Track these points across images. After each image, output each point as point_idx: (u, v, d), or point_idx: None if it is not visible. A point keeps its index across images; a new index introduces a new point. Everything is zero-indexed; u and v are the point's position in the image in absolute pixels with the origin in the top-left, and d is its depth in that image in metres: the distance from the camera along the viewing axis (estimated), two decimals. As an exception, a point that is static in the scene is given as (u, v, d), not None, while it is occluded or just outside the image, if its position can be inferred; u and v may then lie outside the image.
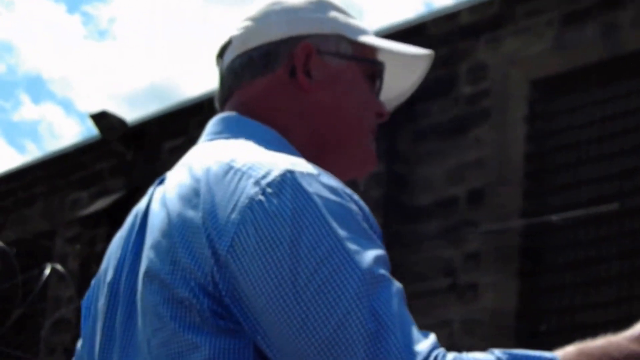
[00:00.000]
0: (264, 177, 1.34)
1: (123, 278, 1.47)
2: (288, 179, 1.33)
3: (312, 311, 1.27)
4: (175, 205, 1.40)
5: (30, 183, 12.69)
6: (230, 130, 1.52)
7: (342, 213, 1.33)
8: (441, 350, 1.32)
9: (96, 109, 12.20)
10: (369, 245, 1.32)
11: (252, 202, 1.32)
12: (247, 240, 1.31)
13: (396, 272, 1.40)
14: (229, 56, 1.60)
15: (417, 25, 8.89)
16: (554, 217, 7.58)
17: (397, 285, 1.32)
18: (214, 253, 1.32)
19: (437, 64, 8.99)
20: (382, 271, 1.31)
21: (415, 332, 1.30)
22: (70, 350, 10.29)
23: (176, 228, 1.37)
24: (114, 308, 1.47)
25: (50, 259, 10.62)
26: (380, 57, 1.62)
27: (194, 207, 1.36)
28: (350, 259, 1.29)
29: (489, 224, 7.93)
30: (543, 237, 7.89)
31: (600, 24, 7.97)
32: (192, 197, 1.38)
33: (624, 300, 7.43)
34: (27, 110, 41.96)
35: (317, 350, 1.26)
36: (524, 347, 6.90)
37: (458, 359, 1.33)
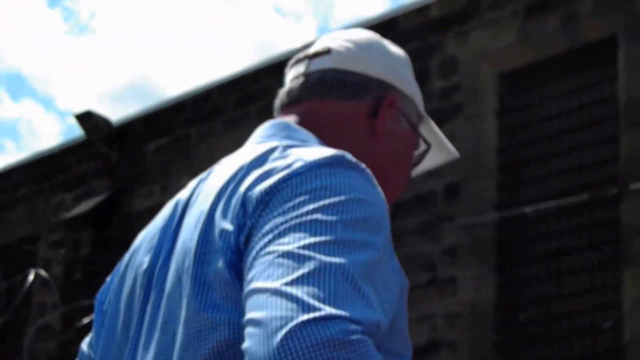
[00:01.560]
0: (314, 155, 1.40)
1: (158, 267, 1.50)
2: (336, 158, 1.39)
3: (285, 245, 1.28)
4: (216, 189, 1.44)
5: (13, 186, 12.54)
6: (281, 135, 1.56)
7: (369, 200, 1.36)
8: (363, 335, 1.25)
9: (76, 106, 12.11)
10: (373, 238, 1.34)
11: (290, 169, 1.37)
12: (278, 197, 1.34)
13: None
14: (321, 64, 1.65)
15: (388, 19, 9.10)
16: (527, 209, 7.82)
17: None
18: (243, 216, 1.36)
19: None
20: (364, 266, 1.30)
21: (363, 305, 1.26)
22: (54, 358, 10.11)
23: (218, 208, 1.41)
24: (146, 296, 1.50)
25: (33, 264, 10.49)
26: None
27: (237, 183, 1.41)
28: (343, 246, 1.30)
29: (464, 218, 8.14)
30: (517, 229, 8.11)
31: (561, 15, 8.20)
32: (236, 176, 1.43)
33: (596, 289, 7.64)
34: (6, 109, 41.72)
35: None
36: (505, 337, 6.80)
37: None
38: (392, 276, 1.36)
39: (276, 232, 1.31)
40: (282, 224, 1.31)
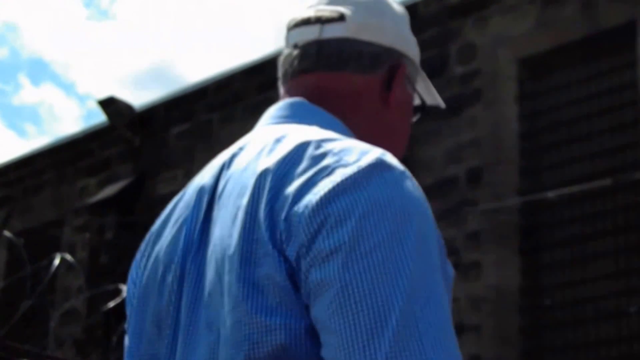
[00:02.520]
0: (356, 160, 1.35)
1: (189, 260, 1.46)
2: (378, 166, 1.34)
3: (355, 285, 1.26)
4: (252, 183, 1.39)
5: (38, 171, 12.66)
6: (300, 117, 1.53)
7: (417, 211, 1.33)
8: None
9: (97, 91, 12.22)
10: (433, 258, 1.33)
11: (337, 181, 1.32)
12: (323, 211, 1.31)
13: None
14: (335, 32, 1.59)
15: (408, 5, 9.05)
16: (550, 194, 7.84)
17: (447, 311, 1.32)
18: (293, 226, 1.32)
19: (428, 45, 8.97)
20: (437, 285, 1.31)
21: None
22: (79, 341, 10.24)
23: (259, 207, 1.36)
24: (180, 290, 1.46)
25: (58, 248, 10.59)
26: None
27: (278, 183, 1.36)
28: (406, 263, 1.29)
29: (487, 203, 8.15)
30: (540, 214, 8.12)
31: (579, 1, 8.19)
32: (274, 172, 1.38)
33: (621, 273, 7.64)
34: (27, 93, 41.97)
35: (344, 321, 1.26)
36: (530, 321, 6.85)
37: None
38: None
39: (339, 264, 1.27)
40: (345, 256, 1.27)
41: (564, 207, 7.96)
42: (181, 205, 1.53)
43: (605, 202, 7.81)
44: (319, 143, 1.39)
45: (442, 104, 1.74)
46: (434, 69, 8.59)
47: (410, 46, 1.65)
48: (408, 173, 1.37)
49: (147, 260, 1.53)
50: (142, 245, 1.57)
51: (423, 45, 10.15)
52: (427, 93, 1.72)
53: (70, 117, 42.43)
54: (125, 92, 43.16)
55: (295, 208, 1.32)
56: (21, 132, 43.30)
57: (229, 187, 1.44)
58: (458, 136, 8.45)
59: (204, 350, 1.39)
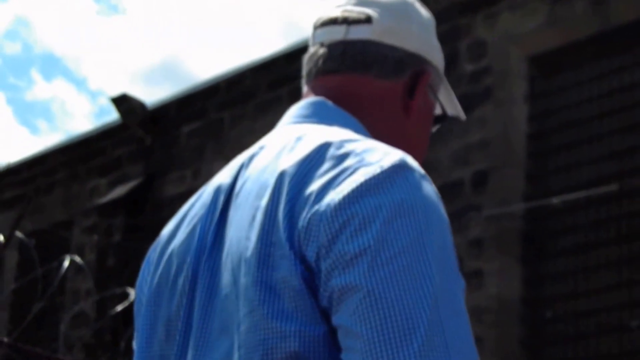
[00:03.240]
0: (378, 161, 1.33)
1: (203, 261, 1.44)
2: (401, 168, 1.33)
3: (381, 290, 1.25)
4: (272, 183, 1.38)
5: (50, 169, 12.69)
6: (320, 116, 1.52)
7: (437, 216, 1.32)
8: None
9: (108, 87, 12.26)
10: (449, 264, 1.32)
11: (360, 181, 1.31)
12: (345, 212, 1.29)
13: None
14: (361, 33, 1.57)
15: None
16: (555, 200, 7.63)
17: (467, 319, 1.31)
18: (311, 227, 1.30)
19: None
20: (459, 295, 1.32)
21: None
22: (88, 345, 10.27)
23: (278, 208, 1.35)
24: (192, 292, 1.44)
25: (68, 249, 10.61)
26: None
27: (298, 184, 1.35)
28: (430, 269, 1.28)
29: (491, 209, 7.95)
30: (544, 221, 7.90)
31: None
32: (300, 175, 1.36)
33: (624, 285, 7.45)
34: (40, 89, 42.08)
35: (371, 327, 1.24)
36: (531, 334, 6.79)
37: None
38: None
39: (365, 269, 1.26)
40: (371, 260, 1.26)
41: (568, 214, 7.74)
42: (197, 205, 1.51)
43: (610, 209, 7.59)
44: (341, 143, 1.38)
45: (463, 116, 1.73)
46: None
47: (434, 53, 1.63)
48: (427, 176, 1.36)
49: (159, 261, 1.51)
50: (155, 246, 1.55)
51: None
52: (449, 102, 1.70)
53: (82, 114, 42.57)
54: (136, 88, 43.36)
55: (317, 207, 1.30)
56: (33, 129, 43.41)
57: (246, 187, 1.43)
58: (466, 137, 8.26)
59: (219, 356, 1.37)
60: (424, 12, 1.67)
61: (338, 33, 1.58)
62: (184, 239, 1.49)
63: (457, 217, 8.07)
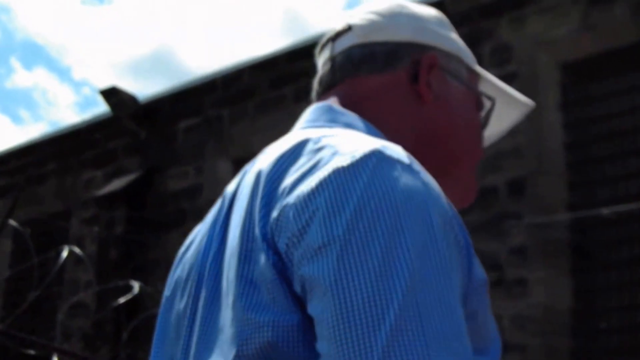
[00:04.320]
0: (351, 151, 1.30)
1: (209, 262, 1.45)
2: (374, 156, 1.29)
3: (350, 277, 1.22)
4: (256, 182, 1.38)
5: (40, 160, 12.70)
6: (325, 119, 1.51)
7: (419, 204, 1.27)
8: None
9: (93, 77, 12.24)
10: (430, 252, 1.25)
11: (330, 170, 1.29)
12: (312, 201, 1.27)
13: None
14: (345, 43, 1.58)
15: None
16: (605, 211, 7.52)
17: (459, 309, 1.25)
18: (282, 218, 1.30)
19: None
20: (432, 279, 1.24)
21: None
22: (88, 335, 10.29)
23: (256, 204, 1.36)
24: (197, 292, 1.46)
25: (66, 240, 10.63)
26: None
27: (274, 180, 1.35)
28: (407, 254, 1.23)
29: (532, 217, 7.84)
30: (592, 231, 7.80)
31: (630, 2, 7.83)
32: (273, 171, 1.36)
33: None
34: (20, 77, 42.03)
35: (338, 314, 1.22)
36: (582, 344, 6.70)
37: None
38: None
39: (334, 258, 1.23)
40: (340, 249, 1.23)
41: (618, 225, 7.63)
42: (213, 211, 1.54)
43: None
44: (319, 138, 1.37)
45: (530, 102, 1.69)
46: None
47: (445, 41, 1.59)
48: (415, 166, 1.30)
49: (178, 264, 1.56)
50: (181, 249, 1.59)
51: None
52: (498, 93, 1.66)
53: (65, 103, 42.54)
54: (124, 80, 43.29)
55: (288, 199, 1.30)
56: (16, 118, 43.34)
57: (242, 190, 1.44)
58: (496, 144, 8.28)
59: (217, 355, 1.37)
60: (424, 8, 1.65)
61: (327, 53, 1.61)
62: (198, 243, 1.52)
63: (495, 224, 8.00)
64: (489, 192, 8.13)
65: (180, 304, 1.50)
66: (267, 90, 10.21)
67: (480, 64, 9.41)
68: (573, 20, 8.09)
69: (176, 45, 37.71)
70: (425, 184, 1.29)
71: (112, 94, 11.54)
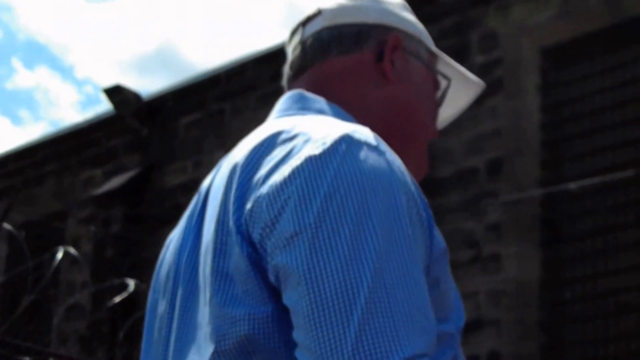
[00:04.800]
0: (322, 138, 1.38)
1: (184, 259, 1.50)
2: (344, 142, 1.37)
3: (322, 265, 1.29)
4: (231, 174, 1.44)
5: (40, 161, 12.64)
6: (297, 107, 1.58)
7: (385, 184, 1.35)
8: None
9: (96, 75, 12.15)
10: (398, 231, 1.34)
11: (302, 158, 1.36)
12: (285, 190, 1.34)
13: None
14: (315, 27, 1.67)
15: None
16: (572, 185, 7.93)
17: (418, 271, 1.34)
18: (255, 203, 1.36)
19: (448, 33, 8.86)
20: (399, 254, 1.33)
21: (416, 328, 1.29)
22: (84, 338, 10.19)
23: (230, 196, 1.41)
24: (174, 289, 1.52)
25: (62, 241, 10.54)
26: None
27: (249, 172, 1.41)
28: (374, 237, 1.31)
29: (507, 195, 8.29)
30: (562, 205, 8.24)
31: None
32: (250, 163, 1.42)
33: None
34: (21, 78, 41.85)
35: (311, 302, 1.28)
36: (550, 315, 6.79)
37: None
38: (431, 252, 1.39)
39: (306, 246, 1.30)
40: (312, 237, 1.30)
41: (585, 199, 8.07)
42: (190, 207, 1.59)
43: (628, 194, 7.91)
44: (292, 127, 1.43)
45: (481, 83, 1.80)
46: (454, 58, 8.58)
47: (407, 24, 1.70)
48: (382, 147, 1.40)
49: (161, 264, 1.60)
50: (163, 249, 1.63)
51: (442, 33, 10.03)
52: (454, 74, 1.76)
53: (68, 103, 42.36)
54: (128, 78, 43.14)
55: (262, 189, 1.36)
56: (15, 119, 43.15)
57: (216, 182, 1.50)
58: (478, 127, 8.54)
59: (194, 351, 1.43)
60: None
61: (297, 38, 1.68)
62: (175, 242, 1.57)
63: (474, 203, 8.42)
64: (470, 173, 8.57)
65: (162, 305, 1.55)
66: (269, 83, 10.17)
67: (469, 51, 9.46)
68: (553, 7, 8.52)
69: (179, 41, 37.64)
70: (390, 164, 1.38)
71: (115, 92, 11.44)
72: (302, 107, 1.57)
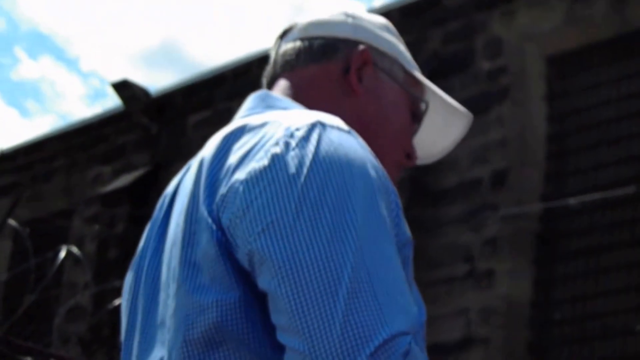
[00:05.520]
0: (294, 124, 1.42)
1: (146, 262, 1.54)
2: (318, 127, 1.41)
3: (303, 248, 1.32)
4: (199, 167, 1.47)
5: (48, 157, 12.59)
6: (263, 106, 1.61)
7: (361, 166, 1.40)
8: (410, 339, 1.33)
9: (102, 68, 12.10)
10: (373, 208, 1.38)
11: (277, 143, 1.40)
12: (264, 176, 1.37)
13: (416, 258, 1.54)
14: (289, 39, 1.72)
15: None
16: (572, 201, 7.87)
17: (392, 249, 1.38)
18: (228, 193, 1.39)
19: (453, 38, 8.69)
20: (381, 229, 1.38)
21: (397, 305, 1.33)
22: (85, 340, 10.14)
23: (200, 185, 1.44)
24: (136, 293, 1.56)
25: (66, 240, 10.50)
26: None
27: (221, 159, 1.44)
28: (354, 219, 1.35)
29: (508, 208, 8.21)
30: (560, 222, 8.18)
31: None
32: (219, 154, 1.45)
33: (632, 288, 7.68)
34: (26, 68, 41.79)
35: (295, 285, 1.31)
36: (538, 336, 6.62)
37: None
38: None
39: (287, 231, 1.33)
40: (292, 221, 1.33)
41: (584, 215, 7.99)
42: (154, 212, 1.64)
43: (626, 212, 7.83)
44: (261, 119, 1.48)
45: (468, 114, 1.80)
46: (460, 63, 8.72)
47: (383, 42, 1.73)
48: (353, 133, 1.45)
49: (130, 268, 1.63)
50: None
51: (447, 38, 9.83)
52: (440, 102, 1.78)
53: (74, 95, 42.32)
54: (136, 72, 43.05)
55: (236, 176, 1.39)
56: (23, 111, 43.10)
57: (185, 181, 1.53)
58: (485, 136, 8.46)
59: (158, 347, 1.46)
60: (372, 15, 1.78)
61: (274, 51, 1.74)
62: (140, 247, 1.61)
63: (474, 216, 8.35)
64: (474, 184, 8.48)
65: (130, 302, 1.59)
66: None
67: (474, 57, 9.30)
68: (559, 14, 8.46)
69: (184, 36, 37.62)
70: (363, 147, 1.43)
71: (123, 87, 11.40)
72: (268, 105, 1.60)
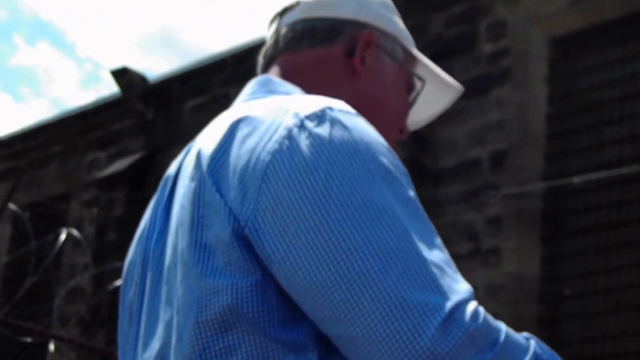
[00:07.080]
0: (303, 110, 1.40)
1: (152, 244, 1.52)
2: (327, 112, 1.40)
3: (341, 235, 1.31)
4: (203, 152, 1.44)
5: (45, 143, 12.70)
6: (264, 91, 1.59)
7: (377, 148, 1.39)
8: (476, 304, 1.35)
9: (98, 53, 12.19)
10: (399, 183, 1.38)
11: (289, 132, 1.38)
12: (283, 168, 1.35)
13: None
14: (291, 17, 1.69)
15: None
16: (576, 179, 7.84)
17: (430, 226, 1.39)
18: (244, 184, 1.37)
19: (457, 20, 8.91)
20: (413, 210, 1.38)
21: (449, 279, 1.34)
22: (84, 321, 10.32)
23: (207, 170, 1.42)
24: (143, 276, 1.53)
25: (65, 223, 10.64)
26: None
27: (226, 148, 1.41)
28: (382, 196, 1.35)
29: (510, 187, 8.18)
30: (564, 200, 8.15)
31: None
32: (226, 138, 1.43)
33: None
34: (23, 54, 41.77)
35: (338, 280, 1.30)
36: (548, 311, 6.88)
37: (495, 326, 1.37)
38: None
39: (317, 215, 1.32)
40: (321, 203, 1.32)
41: (589, 194, 7.97)
42: (157, 193, 1.60)
43: (632, 190, 7.82)
44: (265, 104, 1.45)
45: (459, 87, 1.79)
46: (462, 46, 8.66)
47: (384, 22, 1.71)
48: (359, 115, 1.44)
49: (130, 251, 1.61)
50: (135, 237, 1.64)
51: (451, 21, 10.04)
52: (433, 77, 1.77)
53: (68, 81, 42.28)
54: (130, 58, 43.00)
55: (250, 166, 1.37)
56: (17, 96, 43.04)
57: (186, 163, 1.51)
58: (484, 117, 8.46)
59: (161, 328, 1.44)
60: None
61: (274, 27, 1.71)
62: (142, 229, 1.58)
63: (475, 195, 8.30)
64: (473, 164, 8.46)
65: (130, 292, 1.56)
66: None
67: (477, 39, 9.32)
68: None
69: (182, 22, 37.53)
70: (373, 129, 1.42)
71: (122, 74, 11.51)
72: (269, 90, 1.58)
